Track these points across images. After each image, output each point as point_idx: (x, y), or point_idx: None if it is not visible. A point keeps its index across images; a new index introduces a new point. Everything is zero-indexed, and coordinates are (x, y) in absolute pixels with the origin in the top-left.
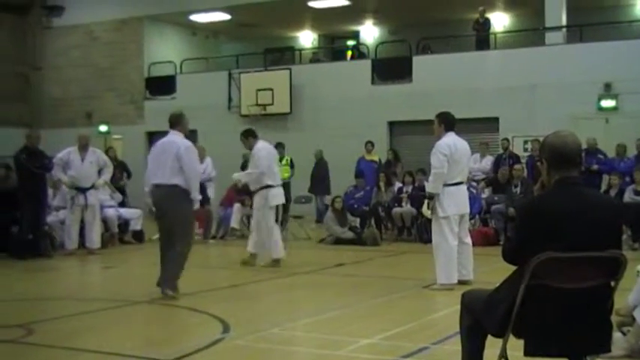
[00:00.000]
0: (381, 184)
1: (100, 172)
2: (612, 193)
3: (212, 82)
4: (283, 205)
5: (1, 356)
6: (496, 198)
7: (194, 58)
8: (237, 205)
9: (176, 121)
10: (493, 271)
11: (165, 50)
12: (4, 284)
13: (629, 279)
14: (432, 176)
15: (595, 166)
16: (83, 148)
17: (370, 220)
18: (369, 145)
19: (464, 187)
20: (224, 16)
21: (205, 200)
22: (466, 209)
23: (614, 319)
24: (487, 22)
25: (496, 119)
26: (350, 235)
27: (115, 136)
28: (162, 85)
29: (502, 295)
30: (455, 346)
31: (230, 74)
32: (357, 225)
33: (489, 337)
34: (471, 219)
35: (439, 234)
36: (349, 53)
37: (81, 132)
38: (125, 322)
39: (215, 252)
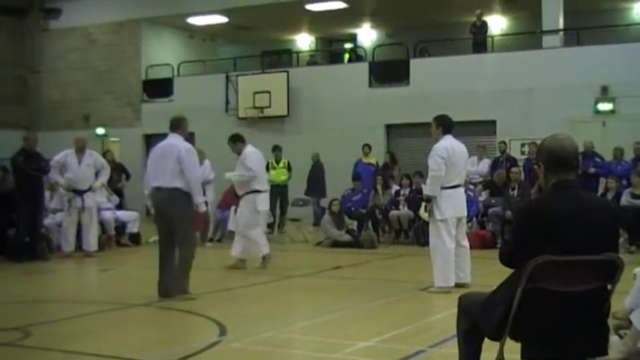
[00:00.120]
0: (379, 186)
1: (97, 174)
2: (609, 196)
3: (209, 84)
4: (281, 207)
5: None
6: (493, 201)
7: (191, 61)
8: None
9: (177, 124)
10: (490, 274)
11: (163, 53)
12: (0, 287)
13: (626, 282)
14: (429, 179)
15: (592, 170)
16: (80, 150)
17: (367, 222)
18: (367, 147)
19: (461, 190)
20: (221, 19)
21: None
22: (464, 212)
23: (611, 322)
24: (484, 25)
25: (493, 122)
26: (347, 237)
27: (113, 139)
28: (159, 88)
29: (499, 298)
30: (452, 349)
31: (227, 77)
32: (355, 228)
33: (486, 340)
34: (468, 222)
35: (436, 237)
36: (346, 56)
37: (78, 135)
38: (122, 324)
39: (212, 255)
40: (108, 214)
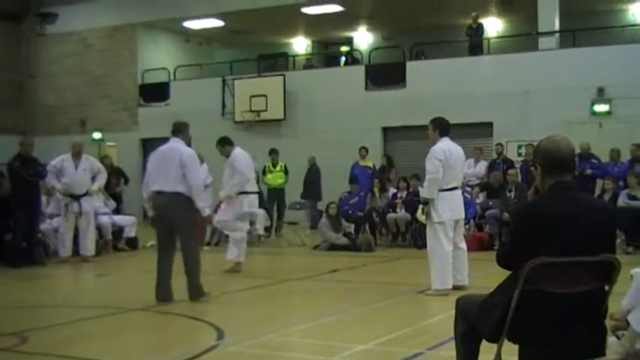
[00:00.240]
0: (376, 189)
1: (93, 179)
2: (606, 197)
3: (206, 88)
4: (278, 211)
5: None
6: (490, 203)
7: (188, 65)
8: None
9: (179, 129)
10: (488, 276)
11: (159, 57)
12: None
13: (623, 283)
14: (426, 181)
15: (589, 171)
16: (77, 155)
17: (364, 225)
18: (363, 150)
19: (458, 192)
20: (217, 23)
21: None
22: (461, 214)
23: (609, 323)
24: (480, 27)
25: (490, 124)
26: (344, 241)
27: (109, 143)
28: (155, 92)
29: (496, 299)
30: (450, 352)
31: (224, 80)
32: (352, 231)
33: (484, 342)
34: (465, 224)
35: (434, 239)
36: (342, 56)
37: (75, 139)
38: (119, 329)
39: (209, 259)
40: (105, 219)
